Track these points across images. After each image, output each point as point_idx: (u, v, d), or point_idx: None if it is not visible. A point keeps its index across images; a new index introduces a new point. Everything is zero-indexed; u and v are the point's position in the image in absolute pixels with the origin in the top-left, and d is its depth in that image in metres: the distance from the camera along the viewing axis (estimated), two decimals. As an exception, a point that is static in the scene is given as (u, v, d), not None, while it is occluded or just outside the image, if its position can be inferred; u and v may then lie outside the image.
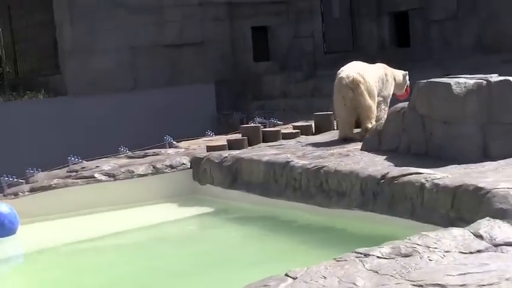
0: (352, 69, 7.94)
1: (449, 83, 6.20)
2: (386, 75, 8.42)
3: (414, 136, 6.56)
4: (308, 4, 18.57)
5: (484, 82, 6.19)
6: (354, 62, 8.35)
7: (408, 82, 8.67)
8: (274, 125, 10.48)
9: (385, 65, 8.62)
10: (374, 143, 7.04)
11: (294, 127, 9.18)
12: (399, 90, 8.64)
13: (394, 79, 8.54)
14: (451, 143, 6.17)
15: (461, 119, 6.16)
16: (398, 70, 8.71)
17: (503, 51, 15.04)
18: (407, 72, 8.80)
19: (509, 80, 6.28)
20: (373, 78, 8.04)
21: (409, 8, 17.69)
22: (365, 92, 7.78)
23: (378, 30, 18.59)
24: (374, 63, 8.61)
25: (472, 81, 6.19)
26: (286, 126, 9.99)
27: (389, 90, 8.49)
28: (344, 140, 7.87)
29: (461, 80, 6.23)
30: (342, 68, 8.10)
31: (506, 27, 15.49)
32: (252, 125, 9.71)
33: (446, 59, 15.71)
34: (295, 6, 18.52)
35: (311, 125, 9.04)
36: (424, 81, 6.58)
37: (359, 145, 7.27)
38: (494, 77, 6.30)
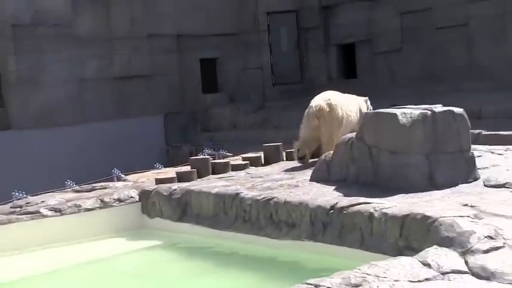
0: (323, 99, 8.24)
1: (396, 114, 6.29)
2: (360, 106, 8.63)
3: (362, 166, 6.62)
4: (256, 36, 18.73)
5: (429, 112, 6.30)
6: (329, 91, 8.56)
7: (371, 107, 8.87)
8: (224, 157, 10.47)
9: (355, 96, 8.84)
10: (323, 174, 7.08)
11: (243, 158, 9.17)
12: None
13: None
14: (398, 172, 6.24)
15: (407, 148, 6.25)
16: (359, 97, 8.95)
17: (446, 81, 15.40)
18: (367, 97, 8.96)
19: (452, 110, 6.42)
20: (346, 108, 8.29)
21: (356, 40, 18.01)
22: (329, 122, 8.07)
23: (325, 62, 18.85)
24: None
25: (417, 112, 6.30)
26: (236, 157, 9.99)
27: None
28: (300, 160, 8.14)
29: (407, 111, 6.33)
30: (316, 97, 8.38)
31: (448, 58, 15.87)
32: (201, 156, 9.68)
33: (392, 89, 15.99)
34: (244, 38, 18.66)
35: (260, 156, 9.06)
36: (371, 112, 6.67)
37: (308, 176, 7.30)
38: (439, 107, 6.43)
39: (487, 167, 6.79)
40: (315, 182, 6.96)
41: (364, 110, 8.58)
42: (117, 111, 16.87)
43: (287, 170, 8.07)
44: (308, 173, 7.46)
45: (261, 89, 18.78)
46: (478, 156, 6.94)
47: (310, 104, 8.27)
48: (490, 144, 8.29)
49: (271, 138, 11.84)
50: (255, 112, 17.52)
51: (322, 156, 7.37)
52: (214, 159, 9.42)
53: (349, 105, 8.43)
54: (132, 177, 9.61)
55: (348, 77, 18.30)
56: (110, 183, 8.96)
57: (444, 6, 15.73)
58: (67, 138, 15.75)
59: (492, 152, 7.74)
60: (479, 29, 15.28)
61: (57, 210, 7.58)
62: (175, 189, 7.61)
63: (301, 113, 8.47)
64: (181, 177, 8.18)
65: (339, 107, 8.22)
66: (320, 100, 8.24)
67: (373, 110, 6.78)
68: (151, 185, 8.12)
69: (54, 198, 8.02)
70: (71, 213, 7.59)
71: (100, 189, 8.51)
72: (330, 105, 8.15)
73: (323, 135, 8.15)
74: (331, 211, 5.75)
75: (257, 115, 17.18)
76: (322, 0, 18.50)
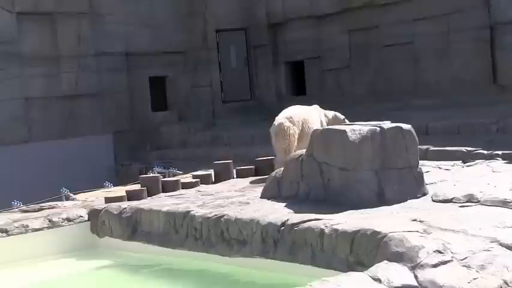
0: (284, 116, 8.50)
1: (345, 130, 6.36)
2: (321, 119, 8.78)
3: (312, 183, 6.66)
4: (205, 54, 18.73)
5: (378, 129, 6.39)
6: (292, 107, 8.77)
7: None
8: (174, 175, 10.41)
9: (319, 108, 9.03)
10: (274, 191, 7.09)
11: (194, 176, 9.14)
12: None
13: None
14: (348, 188, 6.30)
15: (357, 165, 6.31)
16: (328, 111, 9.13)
17: (394, 98, 15.63)
18: (335, 112, 9.08)
19: (400, 127, 6.52)
20: (308, 122, 8.50)
21: (305, 58, 18.15)
22: (288, 139, 8.27)
23: (275, 80, 18.93)
24: (274, 113, 8.83)
25: (366, 128, 6.37)
26: (186, 175, 9.95)
27: None
28: None
29: (356, 127, 6.41)
30: (280, 113, 8.64)
31: (396, 75, 16.13)
32: (151, 175, 9.60)
33: (341, 106, 16.13)
34: (193, 56, 18.64)
35: (211, 174, 9.04)
36: (320, 129, 6.72)
37: (259, 193, 7.30)
38: (387, 124, 6.52)
39: (435, 183, 6.91)
40: (265, 199, 6.97)
41: (324, 122, 8.76)
42: (65, 130, 16.61)
43: (238, 188, 8.06)
44: (259, 190, 7.47)
45: (211, 107, 18.75)
46: (426, 172, 7.06)
47: (274, 122, 8.51)
48: (437, 160, 8.44)
49: (221, 155, 11.83)
50: (204, 130, 17.47)
51: (273, 173, 7.39)
52: (164, 178, 9.36)
53: (311, 118, 8.62)
54: (81, 196, 9.47)
55: (297, 94, 18.41)
56: (59, 203, 8.82)
57: (391, 24, 15.99)
58: (13, 158, 15.43)
59: (440, 168, 7.89)
60: (425, 47, 15.57)
61: (4, 231, 7.43)
62: (125, 208, 7.53)
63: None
64: (131, 196, 8.11)
65: (300, 123, 8.45)
66: (281, 118, 8.49)
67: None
68: (100, 204, 8.02)
69: (0, 219, 7.85)
70: (18, 233, 7.44)
71: (48, 208, 8.37)
72: (291, 122, 8.39)
73: (276, 152, 8.37)
74: (282, 228, 5.76)
75: (207, 133, 17.14)
76: (271, 17, 18.62)
